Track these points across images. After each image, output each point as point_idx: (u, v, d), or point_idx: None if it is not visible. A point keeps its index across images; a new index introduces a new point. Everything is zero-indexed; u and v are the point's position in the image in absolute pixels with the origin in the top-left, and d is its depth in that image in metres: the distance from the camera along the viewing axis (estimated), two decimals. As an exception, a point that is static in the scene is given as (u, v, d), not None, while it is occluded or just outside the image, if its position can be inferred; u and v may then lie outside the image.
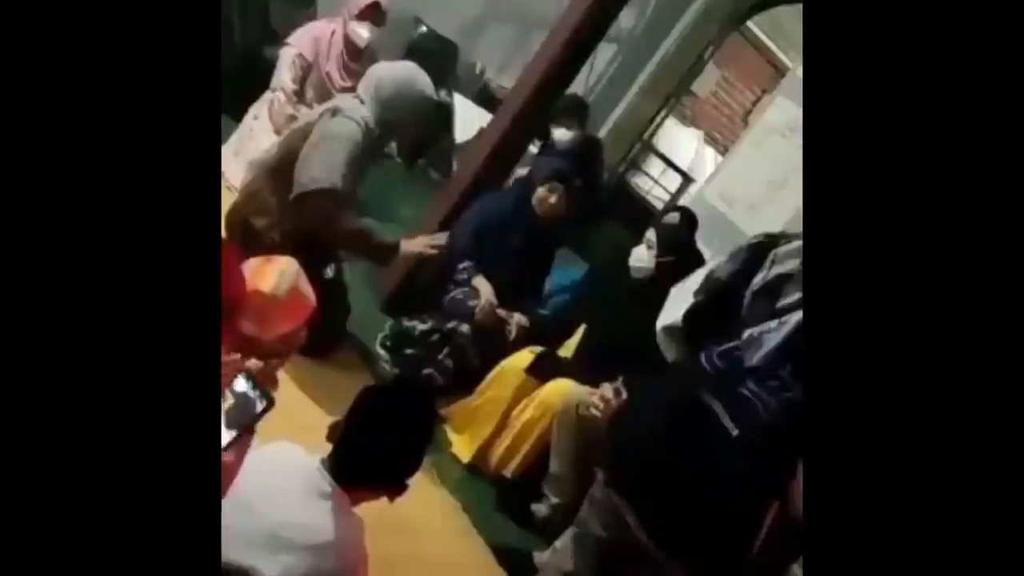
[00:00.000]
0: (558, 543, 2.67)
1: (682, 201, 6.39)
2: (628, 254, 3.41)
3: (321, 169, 2.66)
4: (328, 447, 1.58)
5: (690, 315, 1.81)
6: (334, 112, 2.76)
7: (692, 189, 6.52)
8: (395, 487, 1.58)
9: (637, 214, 5.60)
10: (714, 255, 3.55)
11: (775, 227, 4.20)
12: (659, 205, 6.52)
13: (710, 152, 7.75)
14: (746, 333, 1.67)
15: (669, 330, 1.87)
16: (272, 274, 1.57)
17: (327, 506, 1.51)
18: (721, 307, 1.76)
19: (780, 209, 4.10)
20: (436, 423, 1.68)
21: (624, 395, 2.64)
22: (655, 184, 6.88)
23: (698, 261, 3.06)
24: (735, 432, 1.62)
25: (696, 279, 1.83)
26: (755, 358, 1.63)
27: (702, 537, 1.67)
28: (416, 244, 2.96)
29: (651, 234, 3.06)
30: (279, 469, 1.55)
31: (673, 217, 3.20)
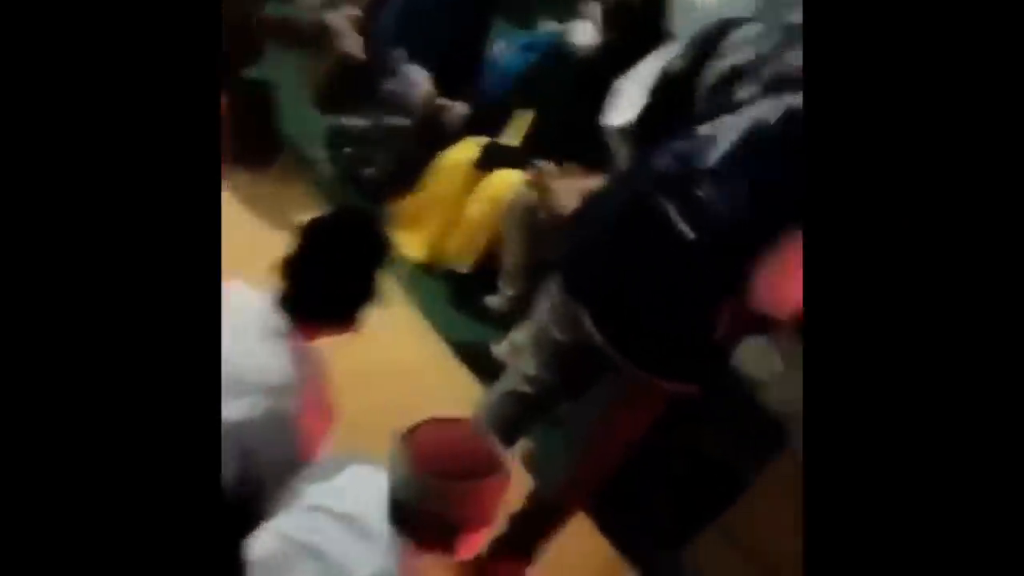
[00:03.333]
0: (517, 338, 2.72)
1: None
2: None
3: None
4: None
5: (643, 115, 1.72)
6: None
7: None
8: (349, 321, 1.55)
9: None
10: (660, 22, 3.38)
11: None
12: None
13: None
14: (701, 131, 1.60)
15: (621, 130, 1.79)
16: None
17: (282, 345, 1.48)
18: (674, 104, 1.67)
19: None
20: (387, 250, 1.62)
21: (575, 187, 2.61)
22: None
23: (645, 39, 2.91)
24: (690, 235, 1.59)
25: (648, 74, 1.73)
26: (710, 159, 1.57)
27: (659, 338, 1.68)
28: (338, 17, 2.78)
29: (595, 9, 2.87)
30: (231, 311, 1.49)
31: None
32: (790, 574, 2.11)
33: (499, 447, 1.33)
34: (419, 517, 1.27)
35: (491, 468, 1.29)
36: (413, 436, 1.30)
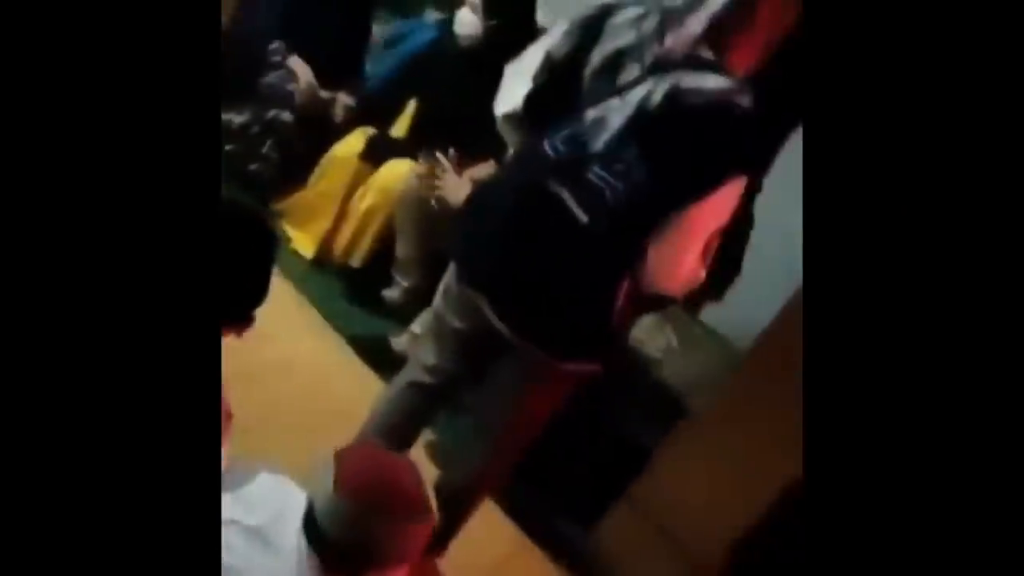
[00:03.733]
0: (415, 327, 2.71)
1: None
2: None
3: None
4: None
5: (530, 100, 1.72)
6: None
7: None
8: (242, 320, 1.50)
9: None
10: (538, 5, 3.41)
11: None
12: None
13: None
14: (589, 115, 1.61)
15: (509, 117, 1.78)
16: None
17: (174, 349, 1.42)
18: (561, 89, 1.68)
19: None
20: (278, 244, 1.58)
21: (465, 178, 2.60)
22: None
23: (527, 22, 2.92)
24: (584, 219, 1.61)
25: (532, 59, 1.73)
26: (599, 142, 1.59)
27: (558, 320, 1.70)
28: None
29: (474, -5, 2.87)
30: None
31: None
32: (699, 544, 2.19)
33: (429, 491, 1.28)
34: (335, 542, 1.22)
35: (419, 510, 1.25)
36: (345, 457, 1.26)
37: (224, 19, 3.05)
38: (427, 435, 2.25)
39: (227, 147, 3.05)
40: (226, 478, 1.36)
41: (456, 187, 2.68)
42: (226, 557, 1.21)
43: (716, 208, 1.59)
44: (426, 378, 1.93)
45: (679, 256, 1.60)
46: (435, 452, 2.38)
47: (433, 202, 2.72)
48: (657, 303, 1.88)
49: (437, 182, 2.72)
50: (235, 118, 3.03)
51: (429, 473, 2.06)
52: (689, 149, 1.56)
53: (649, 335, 2.66)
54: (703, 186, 1.56)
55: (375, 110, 3.17)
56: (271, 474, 1.39)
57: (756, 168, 1.66)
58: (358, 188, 2.94)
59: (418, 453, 2.17)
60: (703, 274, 1.64)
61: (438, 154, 2.74)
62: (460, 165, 2.75)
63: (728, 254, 1.69)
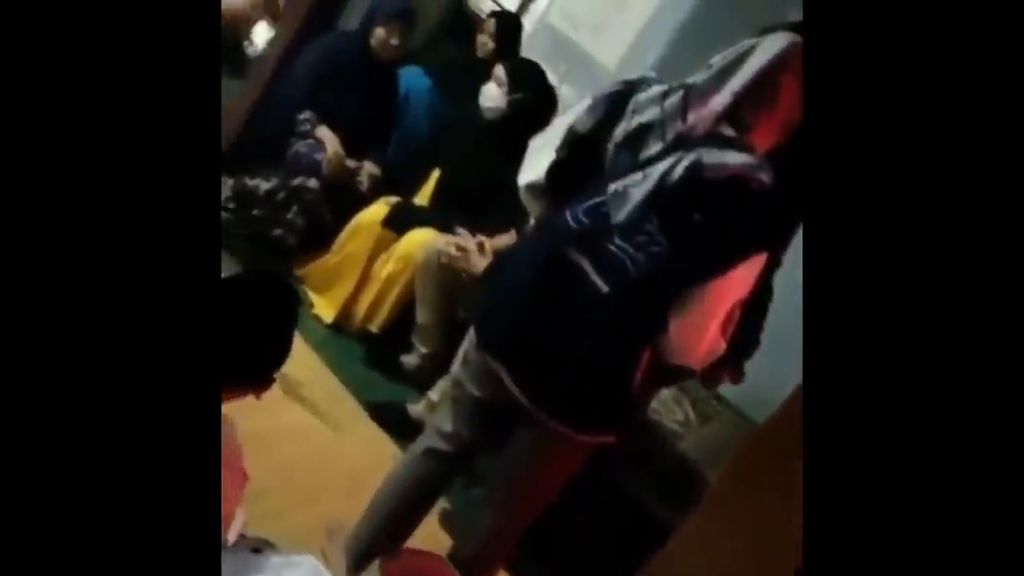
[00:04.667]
0: (432, 395, 2.71)
1: (525, 25, 6.17)
2: (467, 72, 3.34)
3: None
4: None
5: (553, 172, 1.75)
6: None
7: (533, 8, 6.30)
8: (262, 382, 1.51)
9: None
10: (561, 80, 3.50)
11: (619, 49, 4.15)
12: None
13: (547, -33, 7.48)
14: (611, 188, 1.64)
15: (532, 187, 1.81)
16: None
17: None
18: (584, 161, 1.71)
19: (624, 30, 4.02)
20: (300, 308, 1.60)
21: (486, 247, 2.64)
22: (494, 3, 6.59)
23: (550, 97, 2.99)
24: (605, 289, 1.61)
25: (556, 132, 1.76)
26: (621, 214, 1.61)
27: (576, 391, 1.69)
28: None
29: (500, 71, 2.95)
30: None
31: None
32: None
33: None
34: None
35: None
36: (389, 566, 1.25)
37: (257, 88, 3.14)
38: (442, 503, 2.23)
39: (253, 212, 3.10)
40: (273, 561, 1.34)
41: (477, 256, 2.71)
42: None
43: (737, 282, 1.59)
44: (443, 445, 1.92)
45: (699, 328, 1.60)
46: (449, 521, 2.36)
47: (454, 270, 2.75)
48: (676, 375, 1.88)
49: (458, 251, 2.76)
50: (262, 184, 3.09)
51: (443, 543, 2.04)
52: (710, 224, 1.57)
53: (667, 408, 2.65)
54: (724, 261, 1.57)
55: (399, 179, 3.23)
56: (304, 566, 1.37)
57: (776, 244, 1.67)
58: (380, 255, 2.98)
59: (432, 521, 2.15)
60: (723, 346, 1.64)
61: (461, 228, 2.79)
62: (480, 234, 2.79)
63: (748, 327, 1.69)
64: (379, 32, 3.12)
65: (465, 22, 5.50)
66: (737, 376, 1.84)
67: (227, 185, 3.20)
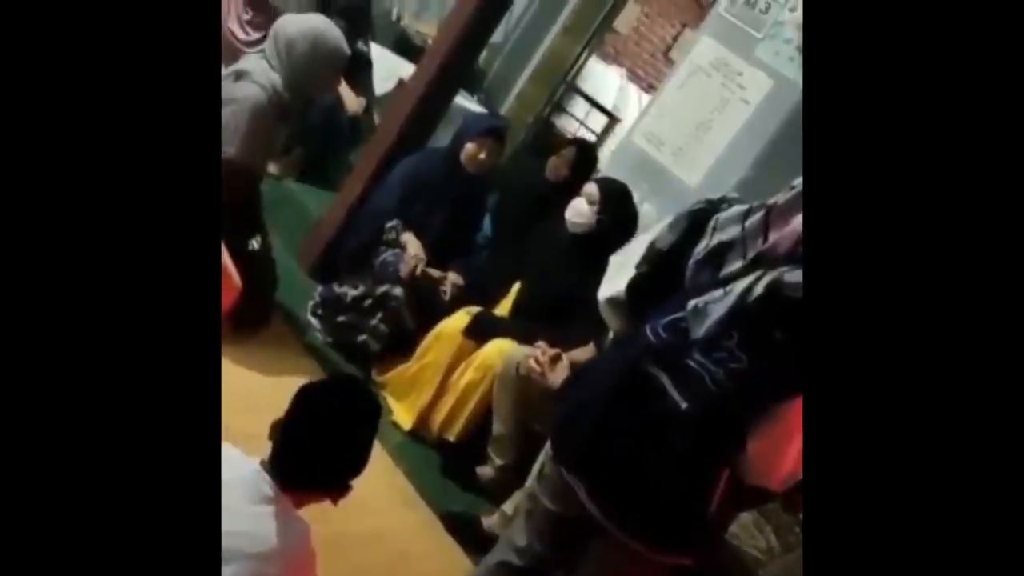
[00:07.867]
0: (507, 507, 2.68)
1: (609, 144, 6.34)
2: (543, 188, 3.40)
3: (226, 142, 2.51)
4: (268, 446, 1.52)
5: (633, 287, 1.77)
6: (237, 76, 2.59)
7: (618, 129, 6.47)
8: (339, 488, 1.53)
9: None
10: (643, 199, 3.55)
11: (702, 170, 4.20)
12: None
13: (633, 90, 7.70)
14: (691, 304, 1.64)
15: (612, 302, 1.83)
16: None
17: (270, 511, 1.45)
18: (664, 277, 1.72)
19: (707, 151, 4.07)
20: (378, 418, 1.62)
21: (564, 360, 2.64)
22: (581, 125, 6.80)
23: (634, 216, 3.04)
24: (684, 405, 1.60)
25: (637, 248, 1.79)
26: (701, 329, 1.61)
27: (654, 510, 1.66)
28: None
29: (592, 188, 3.01)
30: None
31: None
32: None
33: None
34: None
35: None
36: None
37: (352, 197, 3.26)
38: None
39: (340, 318, 3.19)
40: None
41: (555, 369, 2.71)
42: None
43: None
44: (516, 559, 1.89)
45: (779, 449, 1.56)
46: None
47: (533, 383, 2.75)
48: (757, 498, 1.83)
49: (537, 364, 2.76)
50: (350, 291, 3.18)
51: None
52: (790, 343, 1.56)
53: (748, 533, 2.56)
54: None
55: (481, 289, 3.28)
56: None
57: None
58: (460, 364, 3.00)
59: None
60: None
61: (542, 342, 2.81)
62: (559, 347, 2.79)
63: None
64: (469, 147, 3.23)
65: (547, 140, 5.69)
66: None
67: (316, 292, 3.31)
